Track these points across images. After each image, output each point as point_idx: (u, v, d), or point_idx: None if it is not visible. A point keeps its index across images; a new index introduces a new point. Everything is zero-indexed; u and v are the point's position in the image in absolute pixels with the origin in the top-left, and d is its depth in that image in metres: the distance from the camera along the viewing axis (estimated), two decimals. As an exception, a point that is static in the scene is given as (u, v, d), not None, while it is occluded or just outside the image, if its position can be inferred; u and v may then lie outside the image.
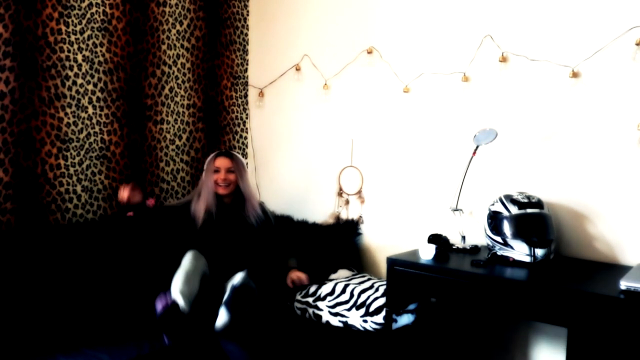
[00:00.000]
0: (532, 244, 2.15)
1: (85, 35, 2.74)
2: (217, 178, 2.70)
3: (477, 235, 2.54)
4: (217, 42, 3.33)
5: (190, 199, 2.78)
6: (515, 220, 2.19)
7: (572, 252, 2.32)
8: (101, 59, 2.81)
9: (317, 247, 2.87)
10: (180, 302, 2.22)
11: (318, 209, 3.14)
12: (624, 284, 1.83)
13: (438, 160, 2.69)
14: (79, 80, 2.73)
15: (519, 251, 2.17)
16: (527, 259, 2.16)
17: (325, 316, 2.50)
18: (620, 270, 2.06)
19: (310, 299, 2.57)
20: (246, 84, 3.47)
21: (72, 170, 2.72)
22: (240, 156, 2.82)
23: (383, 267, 2.84)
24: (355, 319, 2.42)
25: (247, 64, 3.47)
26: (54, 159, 2.65)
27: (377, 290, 2.48)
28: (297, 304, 2.62)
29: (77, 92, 2.72)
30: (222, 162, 2.73)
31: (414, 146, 2.78)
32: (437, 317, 2.57)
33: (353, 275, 2.72)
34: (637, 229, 2.18)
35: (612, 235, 2.24)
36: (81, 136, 2.75)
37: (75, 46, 2.70)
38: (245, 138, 3.49)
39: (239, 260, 2.64)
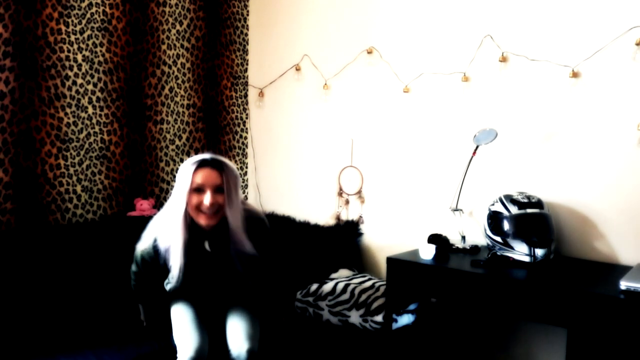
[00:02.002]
0: (532, 244, 2.15)
1: (85, 35, 2.74)
2: (199, 202, 1.85)
3: (477, 235, 2.55)
4: (217, 42, 3.33)
5: (156, 236, 1.97)
6: (515, 220, 2.19)
7: (572, 252, 2.32)
8: (101, 59, 2.81)
9: (319, 247, 2.87)
10: None
11: (318, 209, 3.14)
12: (624, 284, 1.83)
13: (438, 160, 2.69)
14: (79, 80, 2.73)
15: (519, 251, 2.18)
16: (527, 259, 2.16)
17: (326, 315, 2.50)
18: (620, 270, 2.07)
19: (310, 298, 2.58)
20: (246, 84, 3.47)
21: (72, 170, 2.72)
22: (232, 164, 1.95)
23: (383, 267, 2.84)
24: (355, 318, 2.42)
25: (247, 64, 3.47)
26: (54, 159, 2.65)
27: (377, 290, 2.48)
28: (297, 303, 2.62)
29: (77, 92, 2.72)
30: (208, 177, 1.85)
31: (414, 146, 2.78)
32: (437, 317, 2.57)
33: (354, 275, 2.72)
34: (637, 229, 2.18)
35: (612, 235, 2.24)
36: (81, 136, 2.75)
37: (75, 46, 2.70)
38: (245, 138, 3.49)
39: (233, 305, 2.15)
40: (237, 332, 1.99)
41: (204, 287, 2.04)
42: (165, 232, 1.91)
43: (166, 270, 1.98)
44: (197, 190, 1.85)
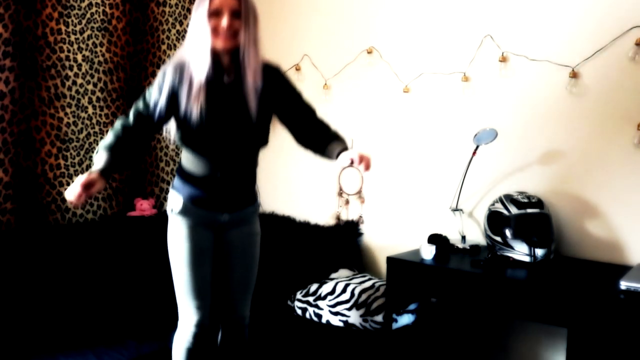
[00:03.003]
0: (532, 244, 2.15)
1: (85, 35, 2.74)
2: (216, 25, 1.78)
3: (477, 235, 2.55)
4: (217, 42, 3.33)
5: (172, 83, 1.82)
6: (515, 220, 2.19)
7: (572, 252, 2.32)
8: (101, 59, 2.81)
9: (319, 247, 2.87)
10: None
11: (318, 209, 3.14)
12: (624, 284, 1.83)
13: (438, 160, 2.69)
14: (79, 80, 2.73)
15: (519, 251, 2.18)
16: (527, 259, 2.16)
17: (326, 315, 2.50)
18: (620, 270, 2.06)
19: (310, 298, 2.58)
20: (246, 84, 3.47)
21: (72, 170, 2.72)
22: None
23: (383, 267, 2.84)
24: (355, 318, 2.42)
25: (247, 64, 3.47)
26: (54, 159, 2.65)
27: (377, 289, 2.48)
28: (297, 304, 2.62)
29: (77, 92, 2.73)
30: (226, 0, 1.79)
31: (414, 146, 2.78)
32: (437, 317, 2.57)
33: (354, 275, 2.73)
34: (637, 229, 2.19)
35: (612, 235, 2.24)
36: (81, 136, 2.75)
37: (75, 46, 2.70)
38: (245, 138, 3.49)
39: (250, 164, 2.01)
40: (235, 298, 1.99)
41: (221, 124, 1.86)
42: (190, 59, 1.81)
43: (173, 109, 1.85)
44: (214, 14, 1.78)
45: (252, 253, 2.02)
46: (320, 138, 1.98)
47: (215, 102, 1.84)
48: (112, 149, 1.79)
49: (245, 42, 1.80)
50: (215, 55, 1.81)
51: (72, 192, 1.66)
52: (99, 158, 1.77)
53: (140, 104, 1.87)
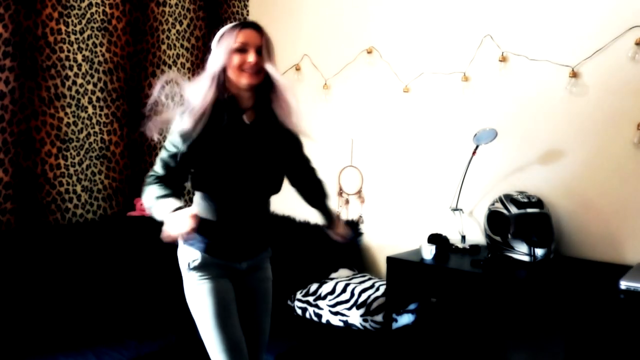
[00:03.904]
0: (532, 244, 2.15)
1: (85, 35, 2.74)
2: (242, 61, 1.74)
3: (477, 235, 2.55)
4: (217, 42, 3.33)
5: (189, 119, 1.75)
6: (515, 220, 2.19)
7: (572, 252, 2.32)
8: (101, 59, 2.81)
9: (319, 247, 2.87)
10: None
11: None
12: (624, 284, 1.83)
13: (438, 160, 2.70)
14: (79, 80, 2.73)
15: (519, 251, 2.18)
16: (527, 259, 2.16)
17: (326, 315, 2.50)
18: (620, 270, 2.07)
19: (310, 298, 2.58)
20: (246, 83, 3.47)
21: (72, 170, 2.72)
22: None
23: (383, 267, 2.84)
24: (355, 318, 2.42)
25: (247, 64, 3.47)
26: (54, 159, 2.65)
27: (377, 289, 2.48)
28: (297, 303, 2.62)
29: (77, 92, 2.72)
30: (251, 37, 1.75)
31: (414, 146, 2.78)
32: (437, 317, 2.57)
33: (354, 274, 2.73)
34: (637, 229, 2.19)
35: (612, 235, 2.24)
36: (81, 136, 2.75)
37: (75, 46, 2.70)
38: (245, 138, 3.49)
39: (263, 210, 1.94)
40: (255, 345, 1.91)
41: (243, 165, 1.79)
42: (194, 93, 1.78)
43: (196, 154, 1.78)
44: (240, 50, 1.75)
45: (270, 298, 1.97)
46: (314, 195, 2.18)
47: (238, 143, 1.78)
48: (165, 195, 1.76)
49: (277, 76, 1.77)
50: (230, 98, 1.77)
51: (184, 226, 1.56)
52: (163, 205, 1.71)
53: (163, 155, 1.85)
